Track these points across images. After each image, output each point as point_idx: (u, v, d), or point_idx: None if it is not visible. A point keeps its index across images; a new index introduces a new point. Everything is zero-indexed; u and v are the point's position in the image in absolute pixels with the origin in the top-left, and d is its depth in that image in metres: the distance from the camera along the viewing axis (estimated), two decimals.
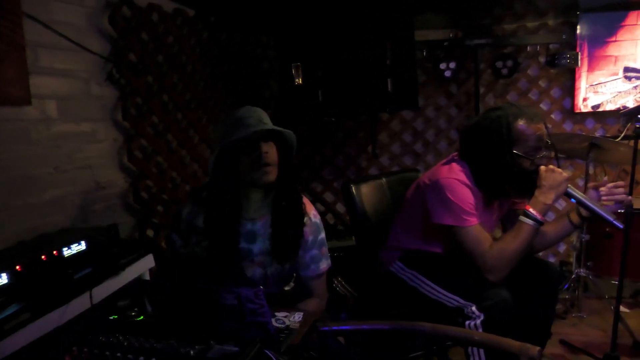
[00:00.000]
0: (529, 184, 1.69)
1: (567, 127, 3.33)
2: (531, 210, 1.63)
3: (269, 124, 1.40)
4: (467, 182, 1.72)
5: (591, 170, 3.30)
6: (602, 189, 1.70)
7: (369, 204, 2.22)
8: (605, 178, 1.75)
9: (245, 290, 1.17)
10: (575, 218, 1.75)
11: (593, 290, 2.99)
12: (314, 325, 1.22)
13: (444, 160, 1.86)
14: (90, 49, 1.75)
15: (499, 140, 1.65)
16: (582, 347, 2.46)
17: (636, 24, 3.05)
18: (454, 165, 1.78)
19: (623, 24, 3.06)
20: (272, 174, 1.42)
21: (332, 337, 1.15)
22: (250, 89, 2.88)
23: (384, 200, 2.28)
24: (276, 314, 1.44)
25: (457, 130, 3.29)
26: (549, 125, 3.29)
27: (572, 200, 1.66)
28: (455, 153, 1.85)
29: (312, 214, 1.57)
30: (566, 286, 2.92)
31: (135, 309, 1.36)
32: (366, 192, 2.23)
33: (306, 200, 1.59)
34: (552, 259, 3.41)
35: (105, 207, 1.84)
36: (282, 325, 1.40)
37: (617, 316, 2.11)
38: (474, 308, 1.63)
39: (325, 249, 1.60)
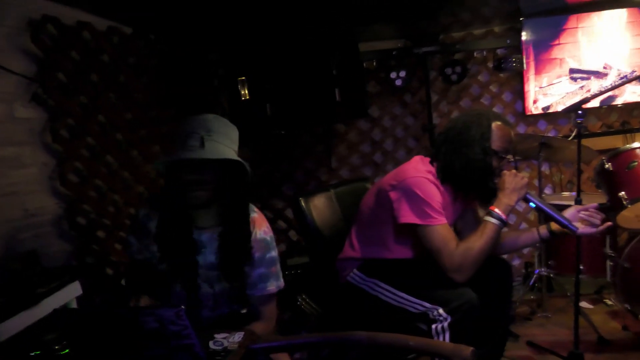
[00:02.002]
0: (491, 187, 1.76)
1: (521, 129, 3.38)
2: (496, 210, 1.68)
3: (207, 150, 1.34)
4: (434, 181, 1.76)
5: (547, 170, 3.37)
6: (583, 213, 1.76)
7: (321, 217, 2.16)
8: (596, 204, 1.80)
9: (166, 311, 1.08)
10: (544, 231, 1.83)
11: (557, 289, 2.99)
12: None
13: (407, 163, 1.86)
14: (11, 70, 1.66)
15: (477, 132, 1.73)
16: (549, 346, 2.44)
17: (577, 27, 3.15)
18: (420, 165, 1.80)
19: (564, 27, 3.15)
20: (201, 196, 1.38)
21: (262, 355, 1.08)
22: (201, 107, 2.83)
23: (335, 213, 2.24)
24: (215, 335, 1.35)
25: (424, 129, 3.29)
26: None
27: (531, 204, 1.73)
28: (419, 156, 1.89)
29: (263, 230, 1.51)
30: (531, 283, 2.92)
31: (64, 342, 1.26)
32: (317, 205, 2.18)
33: (259, 217, 1.53)
34: (516, 261, 3.42)
35: (34, 236, 1.73)
36: (220, 347, 1.32)
37: (577, 314, 2.09)
38: (440, 310, 1.61)
39: (275, 269, 1.53)
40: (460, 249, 1.65)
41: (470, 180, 1.76)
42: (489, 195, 1.73)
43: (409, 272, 1.78)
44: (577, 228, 1.66)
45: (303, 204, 2.15)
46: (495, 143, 1.73)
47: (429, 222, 1.67)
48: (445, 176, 1.78)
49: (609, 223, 1.73)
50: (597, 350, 2.40)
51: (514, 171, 1.74)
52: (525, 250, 3.40)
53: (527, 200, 1.73)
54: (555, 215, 1.69)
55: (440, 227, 1.68)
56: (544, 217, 1.82)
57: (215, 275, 1.48)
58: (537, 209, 1.73)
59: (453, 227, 2.05)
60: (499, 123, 1.75)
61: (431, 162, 1.82)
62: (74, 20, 1.96)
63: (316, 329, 2.21)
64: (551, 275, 2.81)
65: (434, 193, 1.71)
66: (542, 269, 2.79)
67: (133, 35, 2.31)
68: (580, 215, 1.75)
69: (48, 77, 1.81)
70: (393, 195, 1.73)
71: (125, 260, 2.13)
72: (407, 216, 1.69)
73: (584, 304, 2.89)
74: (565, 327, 2.60)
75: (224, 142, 1.38)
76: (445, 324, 1.57)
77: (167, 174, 1.41)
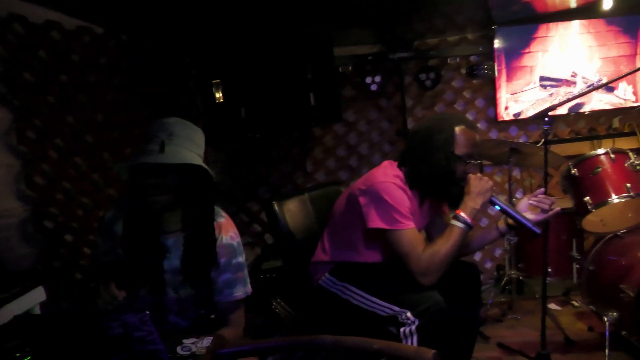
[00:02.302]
0: (457, 191, 1.78)
1: (493, 135, 3.46)
2: (461, 214, 1.71)
3: (167, 154, 1.33)
4: (403, 186, 1.78)
5: (519, 175, 3.45)
6: (532, 199, 1.80)
7: (294, 221, 2.17)
8: (542, 189, 1.86)
9: (130, 316, 1.07)
10: (502, 226, 1.86)
11: (527, 291, 3.06)
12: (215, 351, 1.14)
13: (377, 167, 1.88)
14: None
15: (441, 139, 1.74)
16: (518, 348, 2.50)
17: (547, 36, 3.24)
18: (389, 170, 1.82)
19: (535, 36, 3.25)
20: (161, 200, 1.37)
21: None
22: (176, 109, 2.79)
23: (309, 216, 2.25)
24: (184, 340, 1.34)
25: (398, 134, 3.33)
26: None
27: (496, 207, 1.76)
28: (389, 160, 1.90)
29: (230, 235, 1.49)
30: (502, 286, 2.98)
31: (27, 349, 1.22)
32: (291, 209, 2.19)
33: (226, 221, 1.52)
34: (489, 264, 3.49)
35: None
36: (187, 353, 1.31)
37: (545, 315, 2.15)
38: (408, 314, 1.64)
39: (242, 274, 1.52)
40: (427, 253, 1.67)
41: (436, 185, 1.79)
42: (456, 199, 1.75)
43: (378, 275, 1.80)
44: (539, 230, 1.70)
45: (276, 207, 2.16)
46: (459, 148, 1.75)
47: (397, 227, 1.69)
48: (412, 182, 1.80)
49: (558, 209, 1.78)
50: (564, 350, 2.47)
51: (479, 175, 1.76)
52: (497, 254, 3.48)
53: (492, 203, 1.76)
54: (519, 218, 1.72)
55: (408, 232, 1.70)
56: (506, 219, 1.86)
57: (180, 280, 1.46)
58: (502, 211, 1.76)
59: (425, 232, 2.09)
60: (462, 127, 1.76)
61: (399, 167, 1.83)
62: (42, 19, 1.92)
63: (289, 332, 2.21)
64: (521, 277, 2.88)
65: (401, 198, 1.73)
66: (512, 272, 2.86)
67: (104, 35, 2.27)
68: (530, 202, 1.80)
69: (14, 76, 1.76)
70: (362, 200, 1.75)
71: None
72: (375, 221, 1.71)
73: (552, 306, 2.97)
74: (534, 329, 2.66)
75: (187, 146, 1.38)
76: (413, 327, 1.60)
77: (129, 178, 1.40)
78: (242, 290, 1.51)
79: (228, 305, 1.50)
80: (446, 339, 1.80)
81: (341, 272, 1.87)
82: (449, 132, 1.75)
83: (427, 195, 1.86)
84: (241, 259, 1.52)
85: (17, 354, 1.19)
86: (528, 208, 1.81)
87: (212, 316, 1.60)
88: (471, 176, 1.75)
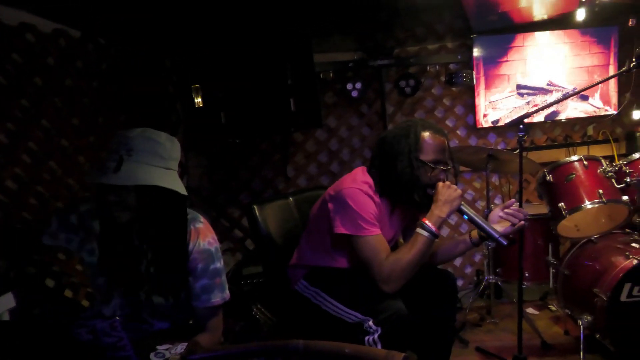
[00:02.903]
0: (426, 198, 1.76)
1: (472, 141, 3.51)
2: (427, 222, 1.68)
3: (121, 174, 1.26)
4: (370, 192, 1.76)
5: (497, 181, 3.51)
6: (503, 212, 1.77)
7: (274, 225, 2.16)
8: (513, 200, 1.84)
9: (100, 322, 1.06)
10: (475, 236, 1.83)
11: (505, 296, 3.10)
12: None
13: (349, 174, 1.88)
14: None
15: (406, 146, 1.73)
16: (496, 352, 2.52)
17: (523, 45, 3.31)
18: (358, 176, 1.81)
19: (512, 45, 3.31)
20: (121, 216, 1.34)
21: None
22: (155, 114, 2.77)
23: (291, 220, 2.24)
24: (157, 347, 1.33)
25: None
26: (456, 140, 3.48)
27: (464, 217, 1.74)
28: (361, 167, 1.89)
29: (207, 241, 1.47)
30: (479, 290, 3.02)
31: None
32: (271, 213, 2.18)
33: (204, 227, 1.50)
34: (468, 269, 3.52)
35: None
36: (161, 359, 1.29)
37: (521, 319, 2.19)
38: (370, 322, 1.62)
39: (219, 280, 1.50)
40: (390, 260, 1.65)
41: (402, 192, 1.77)
42: (424, 207, 1.74)
43: (345, 282, 1.79)
44: (506, 242, 1.68)
45: (257, 211, 2.14)
46: (426, 154, 1.73)
47: (360, 233, 1.68)
48: (380, 189, 1.79)
49: (522, 222, 1.75)
50: (540, 354, 2.50)
51: (447, 183, 1.74)
52: (477, 258, 3.52)
53: (461, 212, 1.73)
54: (487, 228, 1.70)
55: (371, 238, 1.68)
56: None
57: (150, 286, 1.44)
58: (470, 220, 1.73)
59: (402, 240, 2.09)
60: (427, 133, 1.74)
61: (370, 173, 1.82)
62: (16, 21, 1.89)
63: (269, 338, 2.19)
64: (499, 282, 2.92)
65: (366, 204, 1.71)
66: (491, 277, 2.90)
67: (81, 38, 2.24)
68: (500, 215, 1.77)
69: None
70: (330, 205, 1.75)
71: (66, 271, 2.05)
72: (339, 226, 1.71)
73: (530, 310, 3.02)
74: (511, 333, 2.69)
75: (148, 161, 1.31)
76: (376, 336, 1.59)
77: (97, 189, 1.36)
78: (220, 296, 1.49)
79: (205, 311, 1.49)
80: (418, 346, 1.81)
81: (314, 277, 1.86)
82: (414, 138, 1.73)
83: (395, 202, 1.85)
84: (219, 264, 1.50)
85: None
86: (497, 220, 1.78)
87: (190, 322, 1.59)
88: (439, 184, 1.73)
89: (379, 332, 1.59)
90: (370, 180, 1.79)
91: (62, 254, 2.05)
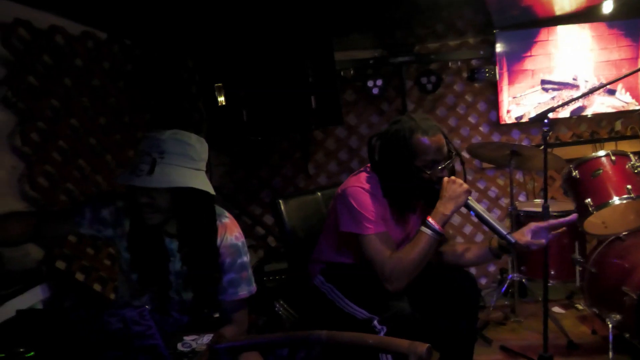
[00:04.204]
0: (434, 196, 1.70)
1: (495, 138, 3.46)
2: (430, 220, 1.64)
3: (155, 177, 1.29)
4: (373, 191, 1.73)
5: (521, 179, 3.45)
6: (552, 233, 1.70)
7: (298, 220, 2.18)
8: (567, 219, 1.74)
9: (129, 311, 1.09)
10: (494, 244, 1.77)
11: (530, 294, 3.04)
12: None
13: (356, 171, 1.88)
14: None
15: (399, 154, 1.67)
16: (520, 351, 2.49)
17: (548, 40, 3.25)
18: (362, 175, 1.80)
19: (536, 40, 3.26)
20: (153, 218, 1.37)
21: (227, 356, 1.08)
22: (178, 113, 2.83)
23: (317, 216, 2.25)
24: (184, 337, 1.37)
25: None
26: (478, 137, 3.44)
27: (472, 213, 1.69)
28: (368, 165, 1.87)
29: (234, 235, 1.51)
30: (503, 290, 2.97)
31: (29, 344, 1.24)
32: (296, 208, 2.19)
33: (231, 222, 1.54)
34: (492, 267, 3.48)
35: None
36: (188, 349, 1.33)
37: (546, 317, 2.15)
38: (376, 322, 1.62)
39: (246, 274, 1.53)
40: (393, 259, 1.63)
41: (407, 200, 1.75)
42: (432, 205, 1.69)
43: (355, 279, 1.78)
44: (514, 239, 1.63)
45: (282, 206, 2.16)
46: (420, 159, 1.66)
47: (363, 232, 1.67)
48: (385, 194, 1.74)
49: (543, 241, 1.67)
50: (566, 354, 2.45)
51: (452, 178, 1.67)
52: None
53: (468, 207, 1.67)
54: (494, 225, 1.65)
55: (374, 236, 1.66)
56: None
57: (182, 284, 1.49)
58: (477, 216, 1.67)
59: None
60: (418, 136, 1.65)
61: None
62: (47, 24, 1.96)
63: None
64: (523, 280, 2.87)
65: (368, 203, 1.69)
66: (515, 275, 2.85)
67: (108, 40, 2.31)
68: (533, 228, 1.68)
69: (18, 80, 1.80)
70: (337, 204, 1.76)
71: (95, 266, 2.11)
72: (344, 225, 1.71)
73: (556, 309, 2.96)
74: (536, 332, 2.65)
75: (180, 163, 1.34)
76: (382, 335, 1.57)
77: (127, 191, 1.40)
78: (247, 289, 1.52)
79: (232, 304, 1.52)
80: (435, 344, 1.78)
81: (329, 273, 1.87)
82: (404, 145, 1.65)
83: (400, 208, 1.79)
84: (245, 258, 1.53)
85: (21, 349, 1.21)
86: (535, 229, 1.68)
87: (216, 315, 1.62)
88: (445, 179, 1.67)
89: (384, 331, 1.59)
90: (375, 178, 1.76)
91: (90, 249, 2.12)
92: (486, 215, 1.66)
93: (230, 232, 1.51)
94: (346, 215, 1.71)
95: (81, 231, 1.48)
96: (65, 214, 1.51)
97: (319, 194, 2.28)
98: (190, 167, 1.36)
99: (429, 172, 1.68)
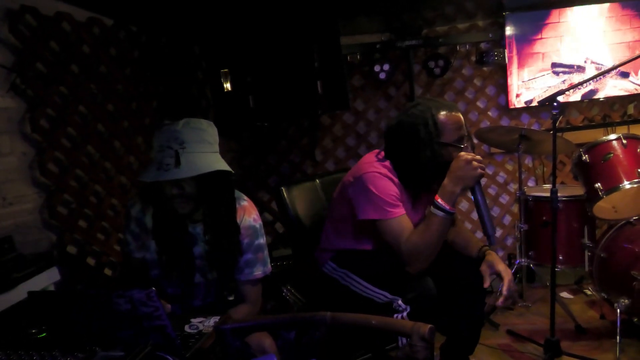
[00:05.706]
0: None
1: (504, 122, 3.42)
2: (439, 200, 1.62)
3: (183, 167, 1.33)
4: (389, 174, 1.74)
5: (530, 164, 3.41)
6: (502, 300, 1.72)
7: (302, 207, 2.20)
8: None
9: (137, 292, 1.11)
10: (482, 252, 1.81)
11: (538, 279, 3.03)
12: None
13: (365, 156, 1.87)
14: None
15: (426, 133, 1.66)
16: (528, 335, 2.49)
17: (559, 22, 3.19)
18: (374, 160, 1.80)
19: (547, 21, 3.19)
20: (185, 207, 1.43)
21: (234, 337, 1.10)
22: (185, 100, 2.83)
23: (318, 203, 2.27)
24: (191, 320, 1.39)
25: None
26: (487, 122, 3.40)
27: (472, 198, 1.66)
28: (376, 150, 1.87)
29: (252, 217, 1.57)
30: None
31: (41, 326, 1.27)
32: (298, 195, 2.21)
33: (249, 205, 1.59)
34: (500, 252, 3.46)
35: (13, 224, 1.73)
36: (195, 331, 1.35)
37: (554, 302, 2.14)
38: (400, 301, 1.64)
39: (262, 255, 1.59)
40: (408, 242, 1.65)
41: (427, 180, 1.73)
42: None
43: (373, 263, 1.80)
44: (495, 242, 1.66)
45: (285, 193, 2.19)
46: (447, 135, 1.67)
47: (384, 217, 1.68)
48: (402, 179, 1.74)
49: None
50: (574, 338, 2.46)
51: (468, 157, 1.60)
52: (509, 242, 3.45)
53: (472, 191, 1.63)
54: (485, 218, 1.63)
55: (395, 220, 1.68)
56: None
57: (207, 266, 1.54)
58: (475, 203, 1.65)
59: None
60: (444, 113, 1.67)
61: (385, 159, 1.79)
62: (53, 10, 1.96)
63: None
64: (532, 265, 2.86)
65: (387, 187, 1.69)
66: (523, 260, 2.84)
67: (114, 26, 2.31)
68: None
69: (27, 67, 1.81)
70: (351, 191, 1.76)
71: (105, 251, 2.14)
72: (364, 212, 1.71)
73: (564, 294, 2.95)
74: (544, 316, 2.64)
75: (200, 150, 1.39)
76: (405, 314, 1.60)
77: (151, 188, 1.45)
78: (262, 269, 1.58)
79: (247, 283, 1.58)
80: (446, 325, 1.80)
81: (342, 259, 1.88)
82: (432, 123, 1.65)
83: (418, 191, 1.80)
84: (262, 240, 1.59)
85: (33, 330, 1.24)
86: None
87: (231, 298, 1.67)
88: (460, 154, 1.62)
89: (408, 310, 1.61)
90: (388, 164, 1.76)
91: (100, 234, 2.15)
92: (483, 207, 1.63)
93: (249, 214, 1.56)
94: (365, 202, 1.71)
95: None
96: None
97: (318, 181, 2.30)
98: (209, 152, 1.43)
99: (458, 147, 1.66)
